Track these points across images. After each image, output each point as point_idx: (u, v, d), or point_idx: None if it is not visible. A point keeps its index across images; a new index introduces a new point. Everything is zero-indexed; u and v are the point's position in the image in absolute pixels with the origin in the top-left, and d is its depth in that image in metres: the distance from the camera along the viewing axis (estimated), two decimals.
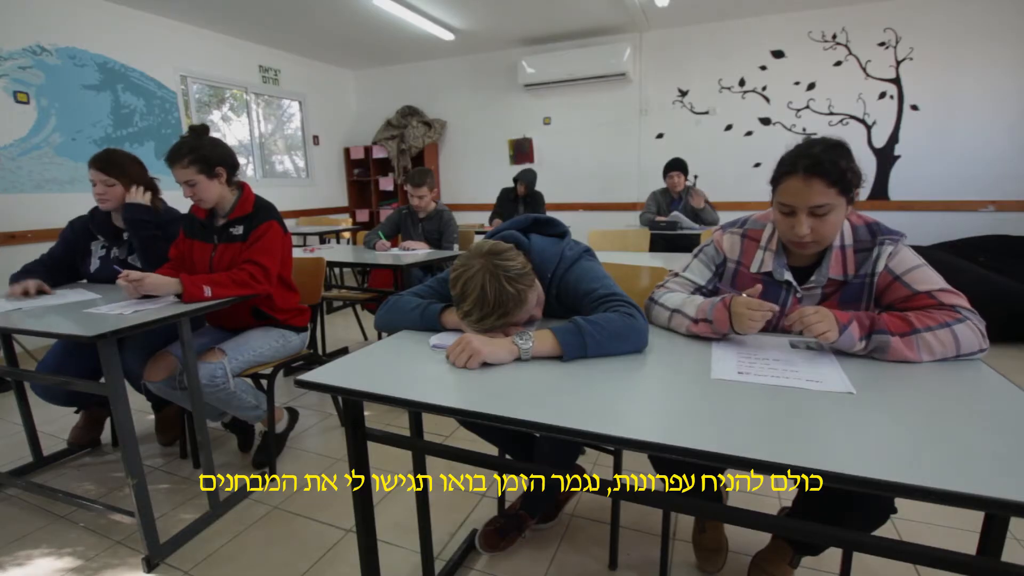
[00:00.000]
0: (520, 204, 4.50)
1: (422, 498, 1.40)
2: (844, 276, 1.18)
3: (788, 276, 1.22)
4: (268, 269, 1.85)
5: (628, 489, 0.88)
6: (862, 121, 4.61)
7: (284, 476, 2.03)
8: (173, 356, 1.85)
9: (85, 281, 2.13)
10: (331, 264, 2.88)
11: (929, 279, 1.11)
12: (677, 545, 1.60)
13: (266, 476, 2.00)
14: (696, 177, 5.08)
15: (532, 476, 1.58)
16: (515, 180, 4.44)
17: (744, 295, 1.12)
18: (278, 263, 1.92)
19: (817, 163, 1.07)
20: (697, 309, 1.19)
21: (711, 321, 1.15)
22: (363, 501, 1.14)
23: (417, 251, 3.04)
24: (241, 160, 5.43)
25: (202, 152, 1.80)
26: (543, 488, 1.65)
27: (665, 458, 1.27)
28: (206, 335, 2.01)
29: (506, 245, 1.19)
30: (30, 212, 3.56)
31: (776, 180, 1.16)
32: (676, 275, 1.38)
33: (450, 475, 1.99)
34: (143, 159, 2.07)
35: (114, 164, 1.96)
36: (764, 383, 0.93)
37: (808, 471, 0.66)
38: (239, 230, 1.90)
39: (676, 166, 4.08)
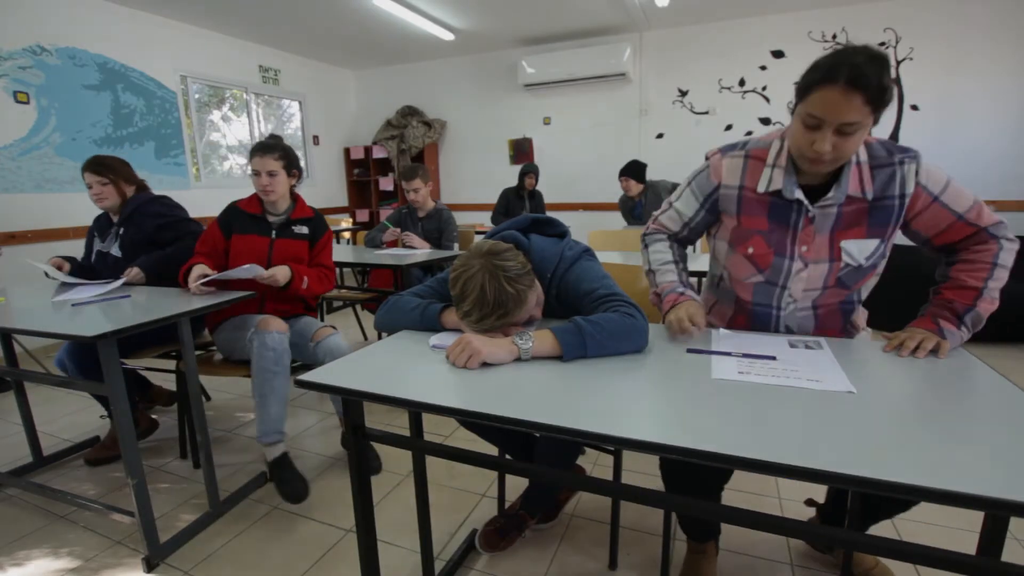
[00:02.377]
0: (528, 200, 4.52)
1: (422, 498, 1.40)
2: (862, 193, 1.11)
3: (799, 194, 1.14)
4: (334, 270, 2.23)
5: (628, 489, 0.88)
6: None
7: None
8: (283, 321, 1.95)
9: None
10: None
11: (963, 195, 1.10)
12: (677, 545, 1.60)
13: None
14: None
15: (532, 476, 1.58)
16: (523, 174, 4.47)
17: (691, 312, 1.18)
18: None
19: (861, 75, 0.95)
20: (664, 284, 1.28)
21: (661, 300, 1.26)
22: (363, 501, 1.14)
23: (417, 251, 3.04)
24: (241, 160, 5.46)
25: (289, 152, 2.11)
26: (543, 488, 1.65)
27: (676, 477, 1.29)
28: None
29: (506, 245, 1.19)
30: (30, 212, 3.56)
31: (808, 87, 1.03)
32: (671, 204, 1.37)
33: (452, 473, 1.99)
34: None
35: (105, 165, 2.15)
36: (765, 383, 0.93)
37: (809, 471, 0.66)
38: (303, 229, 2.15)
39: (623, 171, 4.05)
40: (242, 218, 2.11)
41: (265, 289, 1.99)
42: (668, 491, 1.40)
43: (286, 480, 1.82)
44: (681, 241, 1.39)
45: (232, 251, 2.07)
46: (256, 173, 2.03)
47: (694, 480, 1.27)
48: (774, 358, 1.05)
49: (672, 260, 1.31)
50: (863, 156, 1.12)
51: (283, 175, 2.07)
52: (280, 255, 2.08)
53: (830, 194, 1.12)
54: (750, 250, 1.21)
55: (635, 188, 4.05)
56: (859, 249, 1.14)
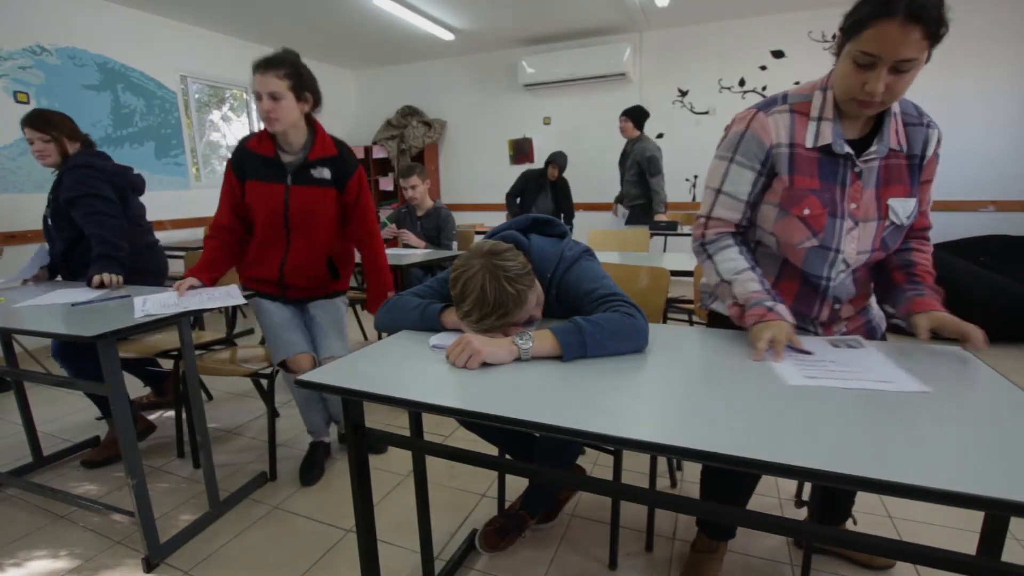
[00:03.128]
0: (548, 189, 4.46)
1: (422, 498, 1.40)
2: (899, 146, 1.09)
3: (847, 148, 1.08)
4: (378, 232, 1.97)
5: (628, 489, 0.88)
6: None
7: (283, 475, 2.04)
8: (311, 355, 1.89)
9: None
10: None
11: (931, 191, 1.17)
12: (677, 545, 1.60)
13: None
14: (696, 177, 5.08)
15: (532, 476, 1.58)
16: (548, 162, 4.40)
17: (790, 335, 1.05)
18: None
19: (921, 7, 0.89)
20: (749, 294, 1.13)
21: (744, 314, 1.13)
22: (363, 501, 1.14)
23: (417, 251, 3.05)
24: None
25: (300, 70, 1.70)
26: (543, 488, 1.65)
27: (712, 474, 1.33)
28: (288, 309, 1.92)
29: (506, 245, 1.19)
30: (30, 212, 3.55)
31: (861, 23, 0.95)
32: (719, 192, 1.20)
33: (452, 473, 1.99)
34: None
35: (46, 121, 2.03)
36: (830, 386, 0.92)
37: (808, 472, 0.66)
38: (323, 173, 1.81)
39: (625, 111, 4.06)
40: (254, 160, 1.79)
41: (279, 266, 1.83)
42: (703, 489, 1.43)
43: (306, 466, 2.02)
44: (744, 233, 1.25)
45: (247, 199, 1.82)
46: (257, 96, 1.66)
47: (730, 477, 1.33)
48: (811, 352, 1.05)
49: (749, 267, 1.17)
50: (896, 107, 1.09)
51: (290, 99, 1.67)
52: (298, 206, 1.78)
53: (873, 147, 1.08)
54: (806, 211, 1.11)
55: (631, 131, 4.06)
56: (903, 208, 1.11)
